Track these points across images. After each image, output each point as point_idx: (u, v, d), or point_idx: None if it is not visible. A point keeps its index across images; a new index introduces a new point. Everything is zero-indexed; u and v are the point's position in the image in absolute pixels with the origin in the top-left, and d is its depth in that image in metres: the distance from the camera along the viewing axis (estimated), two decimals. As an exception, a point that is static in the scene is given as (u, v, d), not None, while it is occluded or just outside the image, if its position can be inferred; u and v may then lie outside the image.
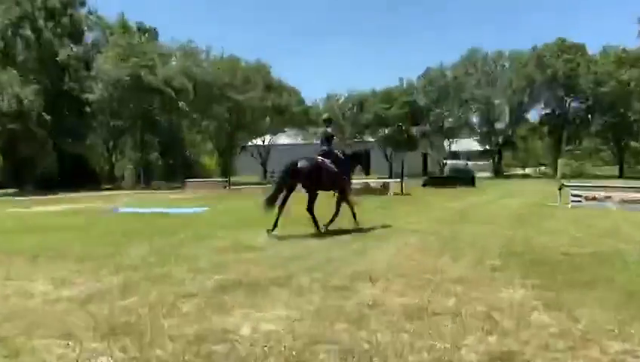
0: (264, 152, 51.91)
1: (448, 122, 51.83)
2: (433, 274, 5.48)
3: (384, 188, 20.94)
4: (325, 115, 10.98)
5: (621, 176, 47.54)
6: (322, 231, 8.70)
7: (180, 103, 35.11)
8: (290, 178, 8.93)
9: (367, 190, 20.46)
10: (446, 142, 54.55)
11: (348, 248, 7.15)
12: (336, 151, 9.55)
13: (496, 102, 52.37)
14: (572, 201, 13.58)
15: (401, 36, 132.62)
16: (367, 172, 10.93)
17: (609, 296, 4.52)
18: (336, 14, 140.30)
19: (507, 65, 53.94)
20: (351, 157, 10.05)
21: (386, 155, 54.78)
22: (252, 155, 51.34)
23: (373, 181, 24.26)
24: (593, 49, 54.70)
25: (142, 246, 7.50)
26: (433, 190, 24.25)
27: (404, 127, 52.58)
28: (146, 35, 40.38)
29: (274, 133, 52.12)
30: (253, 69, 47.53)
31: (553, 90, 51.08)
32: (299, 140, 58.84)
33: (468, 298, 4.59)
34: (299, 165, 8.91)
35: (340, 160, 9.43)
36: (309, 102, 54.76)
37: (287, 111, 46.29)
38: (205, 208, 14.35)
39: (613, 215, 11.24)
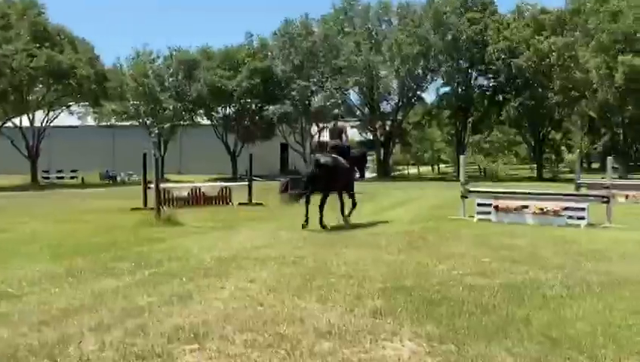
0: (35, 138, 48.69)
1: (317, 100, 53.52)
2: (290, 325, 5.50)
3: (224, 196, 20.82)
4: (335, 111, 17.06)
5: (540, 177, 53.21)
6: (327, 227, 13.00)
7: None
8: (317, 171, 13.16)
9: (199, 199, 20.19)
10: (314, 129, 56.21)
11: (165, 290, 6.89)
12: (347, 146, 14.37)
13: (382, 73, 55.19)
14: (478, 214, 14.74)
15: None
16: (362, 174, 15.44)
17: (525, 347, 4.90)
18: None
19: (395, 22, 57.06)
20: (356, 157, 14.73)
21: (227, 147, 54.95)
22: (12, 142, 47.76)
23: (209, 185, 24.01)
24: (504, 7, 60.57)
25: None
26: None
27: (254, 106, 53.19)
28: None
29: (52, 108, 49.16)
30: (16, 9, 44.35)
31: (455, 61, 55.28)
32: (90, 121, 56.34)
33: (338, 360, 4.65)
34: (321, 161, 13.32)
35: (351, 156, 14.30)
36: (107, 64, 52.83)
37: (72, 75, 43.90)
38: None
39: (529, 231, 12.42)
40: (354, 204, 14.36)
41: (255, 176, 23.23)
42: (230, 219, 15.44)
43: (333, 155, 13.64)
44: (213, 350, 4.89)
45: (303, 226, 12.79)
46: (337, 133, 14.50)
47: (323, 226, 12.99)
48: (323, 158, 13.43)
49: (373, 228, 13.12)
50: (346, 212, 14.04)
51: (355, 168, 14.85)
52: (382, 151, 57.38)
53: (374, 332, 5.30)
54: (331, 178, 13.37)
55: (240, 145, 54.07)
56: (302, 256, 9.17)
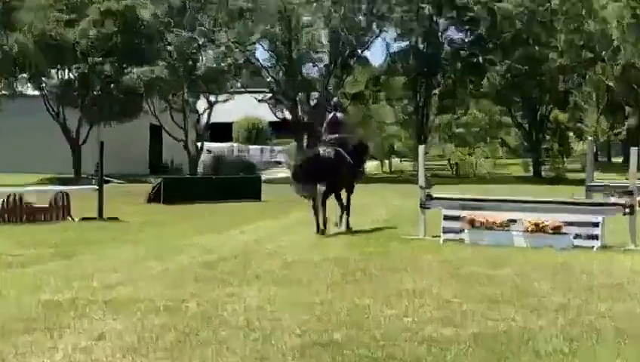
0: None
1: (206, 60, 53.22)
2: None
3: (60, 207, 20.50)
4: (334, 100, 20.29)
5: (538, 176, 54.34)
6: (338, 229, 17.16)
7: None
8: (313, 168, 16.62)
9: (19, 211, 19.84)
10: (202, 103, 55.83)
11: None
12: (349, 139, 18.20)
13: (305, 20, 55.31)
14: (445, 232, 14.94)
15: None
16: (362, 172, 19.47)
17: None
18: None
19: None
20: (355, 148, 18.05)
21: (66, 130, 53.92)
22: None
23: (35, 190, 23.58)
24: None
25: None
26: (172, 208, 24.51)
27: (109, 67, 52.45)
28: None
29: None
30: None
31: (414, 4, 55.86)
32: None
33: None
34: (321, 153, 16.87)
35: (351, 150, 17.53)
36: None
37: None
38: None
39: (518, 257, 12.67)
40: (348, 208, 17.73)
41: (109, 177, 23.00)
42: (69, 243, 15.24)
43: (336, 148, 16.92)
44: None
45: (323, 232, 16.30)
46: (337, 125, 17.89)
47: (321, 231, 16.33)
48: (323, 150, 17.00)
49: (290, 255, 13.14)
50: (345, 216, 17.53)
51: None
52: (305, 139, 57.31)
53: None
54: (334, 174, 16.81)
55: (87, 128, 53.17)
56: (180, 299, 9.11)
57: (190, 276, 10.90)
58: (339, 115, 18.30)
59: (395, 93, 63.10)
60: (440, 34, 58.68)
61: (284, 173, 55.64)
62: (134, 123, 54.48)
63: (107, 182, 21.70)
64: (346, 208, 17.62)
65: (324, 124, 18.29)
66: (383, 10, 55.71)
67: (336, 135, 17.48)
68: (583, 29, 49.03)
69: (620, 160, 62.16)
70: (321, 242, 15.17)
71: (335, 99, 19.54)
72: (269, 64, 58.98)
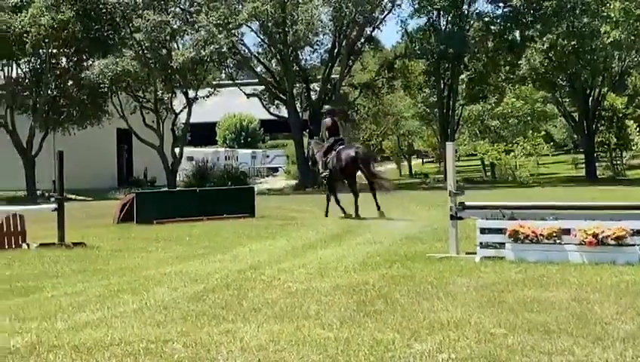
0: None
1: (184, 47, 53.25)
2: None
3: (12, 233, 20.51)
4: (327, 107, 26.14)
5: (592, 176, 54.21)
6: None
7: None
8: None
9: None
10: (180, 101, 55.72)
11: None
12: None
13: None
14: (482, 247, 14.88)
15: None
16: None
17: None
18: None
19: None
20: None
21: (16, 137, 53.93)
22: None
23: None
24: None
25: None
26: (148, 229, 24.49)
27: (65, 61, 52.43)
28: None
29: None
30: None
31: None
32: None
33: None
34: (361, 152, 25.22)
35: None
36: None
37: None
38: None
39: (574, 276, 12.59)
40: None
41: (71, 193, 22.98)
42: (25, 276, 15.21)
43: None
44: None
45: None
46: (335, 128, 24.06)
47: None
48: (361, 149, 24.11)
49: (294, 283, 13.11)
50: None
51: None
52: (304, 140, 57.28)
53: None
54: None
55: (40, 135, 53.14)
56: (163, 339, 9.05)
57: (174, 312, 10.85)
58: (336, 118, 24.14)
59: (413, 80, 62.79)
60: (466, 7, 58.51)
61: (282, 181, 55.65)
62: (99, 128, 54.29)
63: (68, 199, 21.61)
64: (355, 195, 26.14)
65: (323, 128, 24.07)
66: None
67: (340, 136, 23.75)
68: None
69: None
70: (330, 266, 15.11)
71: (326, 106, 24.54)
72: (259, 50, 59.00)
